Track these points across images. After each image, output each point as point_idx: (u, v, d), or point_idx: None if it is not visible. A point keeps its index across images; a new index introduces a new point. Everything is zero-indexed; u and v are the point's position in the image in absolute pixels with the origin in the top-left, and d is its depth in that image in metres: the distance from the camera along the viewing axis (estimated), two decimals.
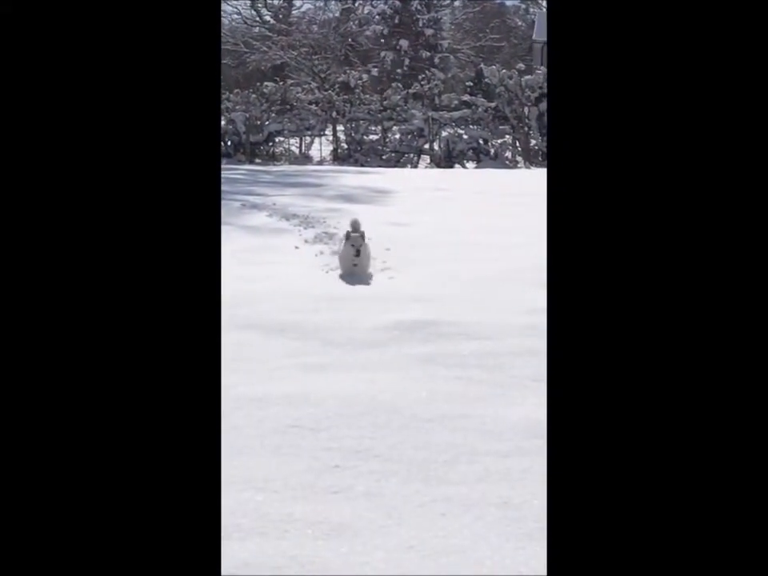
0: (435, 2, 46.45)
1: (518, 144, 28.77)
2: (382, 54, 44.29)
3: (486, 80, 30.97)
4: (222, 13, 45.33)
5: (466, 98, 29.81)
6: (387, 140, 29.44)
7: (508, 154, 28.68)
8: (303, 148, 30.65)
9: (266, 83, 30.56)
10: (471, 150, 28.50)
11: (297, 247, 10.67)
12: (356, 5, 46.14)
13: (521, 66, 30.64)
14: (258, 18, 49.30)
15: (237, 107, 29.38)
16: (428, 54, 44.38)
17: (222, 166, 25.02)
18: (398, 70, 42.86)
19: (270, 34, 44.32)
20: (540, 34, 43.42)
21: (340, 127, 30.03)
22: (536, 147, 28.06)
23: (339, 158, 29.25)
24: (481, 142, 28.58)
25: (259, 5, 48.32)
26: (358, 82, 32.07)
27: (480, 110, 28.60)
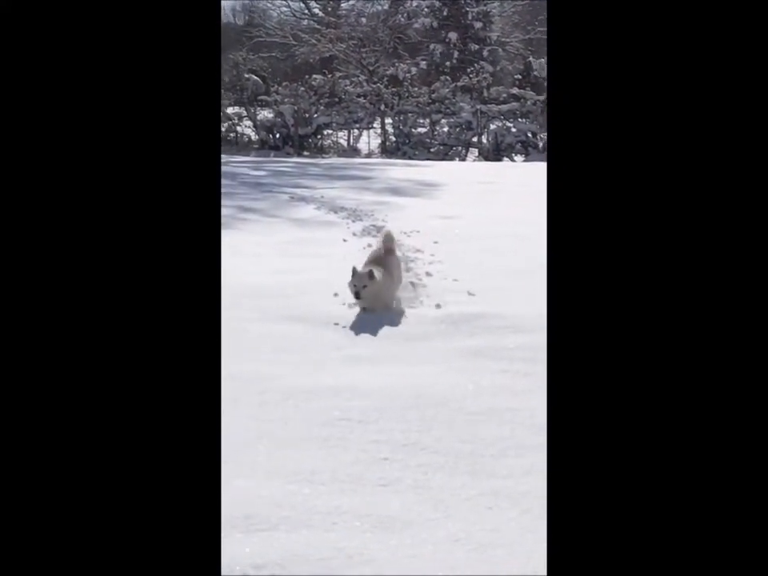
0: None
1: None
2: (431, 46, 44.18)
3: (534, 73, 30.91)
4: (272, 5, 45.38)
5: (515, 90, 29.76)
6: (435, 133, 29.42)
7: None
8: (351, 141, 30.71)
9: (314, 76, 30.66)
10: (519, 143, 28.43)
11: (345, 240, 10.68)
12: None
13: None
14: (306, 11, 49.37)
15: (285, 100, 29.49)
16: (477, 46, 44.22)
17: (271, 159, 25.13)
18: (447, 63, 42.75)
19: (319, 27, 44.33)
20: None
21: (388, 120, 30.05)
22: None
23: (387, 150, 29.27)
24: (529, 135, 28.49)
25: None
26: (407, 74, 32.09)
27: (528, 102, 28.52)
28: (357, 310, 7.42)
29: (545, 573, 2.97)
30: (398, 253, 9.69)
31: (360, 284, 7.51)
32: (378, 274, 7.58)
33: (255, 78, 32.33)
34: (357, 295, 7.50)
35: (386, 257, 7.96)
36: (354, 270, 7.61)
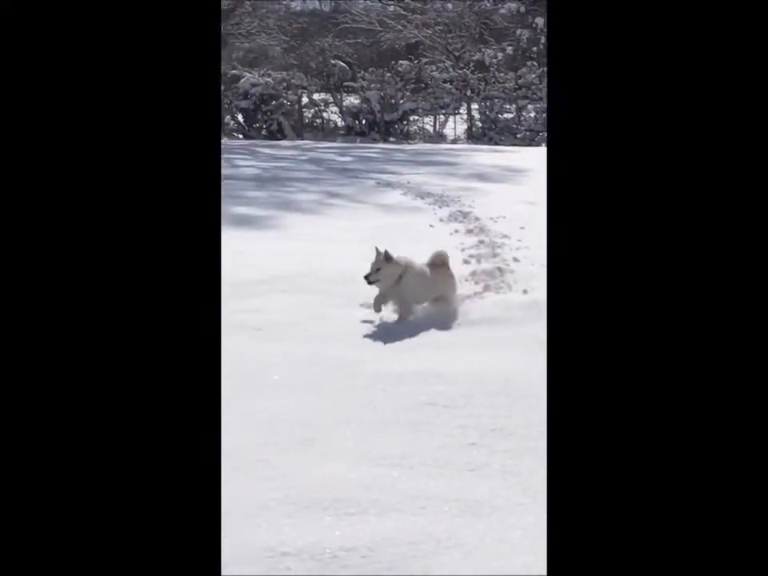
0: None
1: None
2: (518, 31, 43.87)
3: None
4: None
5: None
6: (522, 118, 29.25)
7: None
8: (437, 126, 30.66)
9: (400, 62, 30.65)
10: None
11: (431, 225, 10.68)
12: None
13: None
14: None
15: (371, 86, 29.53)
16: None
17: (357, 144, 25.21)
18: (534, 48, 42.44)
19: (405, 13, 44.23)
20: None
21: (474, 106, 29.96)
22: None
23: (473, 136, 29.17)
24: None
25: None
26: (493, 60, 31.92)
27: None
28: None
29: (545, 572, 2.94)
30: (485, 238, 9.67)
31: (374, 266, 6.88)
32: (401, 259, 6.94)
33: (341, 63, 32.46)
34: (367, 278, 6.84)
35: (437, 268, 7.22)
36: (377, 250, 6.95)
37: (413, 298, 6.99)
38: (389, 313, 6.95)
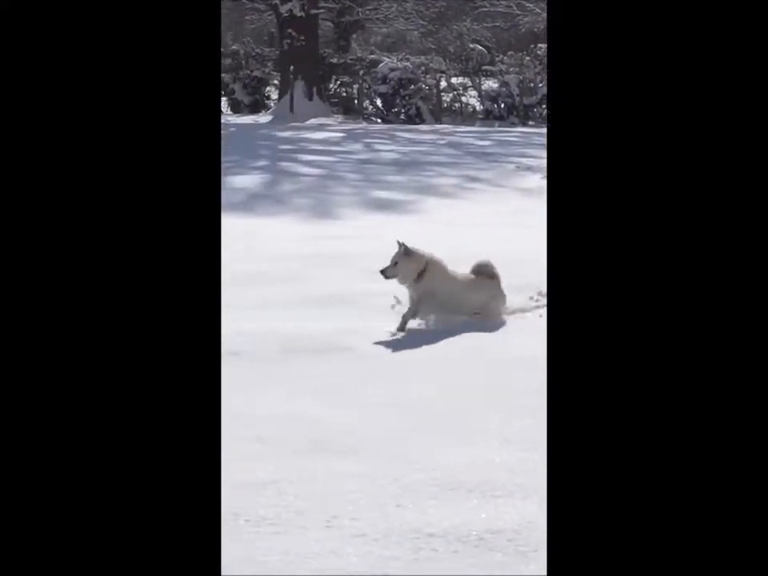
0: None
1: None
2: None
3: None
4: None
5: None
6: None
7: None
8: None
9: (539, 45, 30.36)
10: None
11: None
12: None
13: None
14: None
15: (510, 69, 29.34)
16: None
17: (495, 128, 25.13)
18: None
19: None
20: None
21: None
22: None
23: None
24: None
25: None
26: None
27: None
28: None
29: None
30: None
31: (392, 260, 6.42)
32: (424, 254, 6.51)
33: (480, 47, 32.35)
34: (383, 273, 6.39)
35: (479, 277, 6.79)
36: (398, 243, 6.48)
37: (433, 300, 6.49)
38: (525, 299, 6.91)
